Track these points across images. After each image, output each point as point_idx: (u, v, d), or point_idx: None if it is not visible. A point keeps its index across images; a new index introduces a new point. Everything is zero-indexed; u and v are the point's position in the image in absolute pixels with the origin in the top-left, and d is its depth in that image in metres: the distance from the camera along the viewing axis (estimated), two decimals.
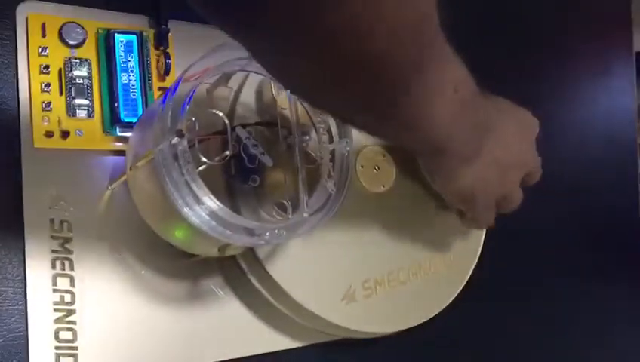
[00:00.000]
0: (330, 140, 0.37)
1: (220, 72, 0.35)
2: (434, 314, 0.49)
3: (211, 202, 0.33)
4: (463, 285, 0.51)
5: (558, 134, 0.70)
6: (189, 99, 0.33)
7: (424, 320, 0.48)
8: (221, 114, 0.35)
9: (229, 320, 0.44)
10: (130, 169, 0.38)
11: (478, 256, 0.52)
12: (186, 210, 0.33)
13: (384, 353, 0.50)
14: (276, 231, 0.34)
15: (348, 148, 0.37)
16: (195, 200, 0.33)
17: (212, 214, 0.33)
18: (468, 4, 0.63)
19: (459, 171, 0.41)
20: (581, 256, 0.69)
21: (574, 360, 0.65)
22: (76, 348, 0.39)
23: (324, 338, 0.47)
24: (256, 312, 0.45)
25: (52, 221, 0.40)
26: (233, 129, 0.36)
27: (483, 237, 0.53)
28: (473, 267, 0.51)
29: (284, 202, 0.36)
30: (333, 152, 0.37)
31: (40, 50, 0.41)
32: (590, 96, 0.78)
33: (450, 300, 0.50)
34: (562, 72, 0.74)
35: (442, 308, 0.49)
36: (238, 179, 0.37)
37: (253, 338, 0.45)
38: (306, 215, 0.35)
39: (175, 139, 0.32)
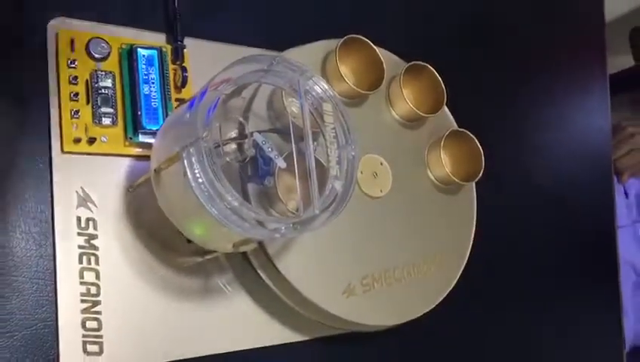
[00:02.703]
0: (337, 145, 0.41)
1: (240, 83, 0.39)
2: (427, 311, 0.52)
3: (234, 198, 0.36)
4: (453, 285, 0.55)
5: (536, 152, 0.75)
6: (215, 106, 0.37)
7: (418, 315, 0.52)
8: (242, 119, 0.39)
9: (238, 314, 0.47)
10: (155, 171, 0.41)
11: (466, 259, 0.56)
12: (210, 205, 0.37)
13: (381, 346, 0.54)
14: (290, 225, 0.37)
15: (353, 153, 0.41)
16: (219, 196, 0.36)
17: (234, 209, 0.36)
18: (448, 24, 0.68)
19: None
20: (558, 266, 0.74)
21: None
22: (101, 337, 0.42)
23: (326, 332, 0.51)
24: (263, 307, 0.48)
25: (79, 219, 0.43)
26: (251, 134, 0.40)
27: (471, 242, 0.57)
28: (462, 269, 0.55)
29: (295, 201, 0.40)
30: (339, 156, 0.41)
31: (69, 62, 0.44)
32: (567, 115, 0.83)
33: (442, 298, 0.54)
34: (541, 92, 0.79)
35: (434, 304, 0.53)
36: (255, 180, 0.41)
37: (261, 331, 0.48)
38: (317, 211, 0.39)
39: (205, 134, 0.35)
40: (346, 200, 0.40)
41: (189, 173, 0.37)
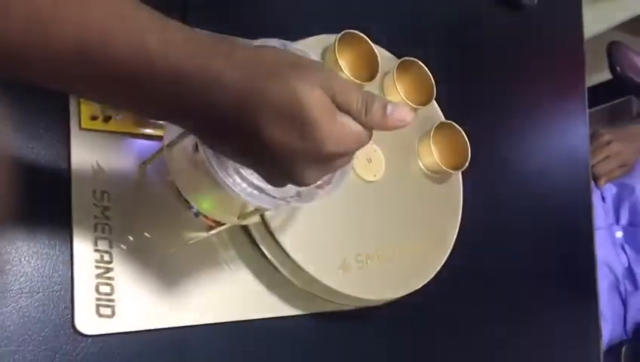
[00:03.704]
0: None
1: None
2: (415, 289, 0.56)
3: (247, 172, 0.39)
4: (440, 265, 0.58)
5: (519, 161, 0.79)
6: None
7: (408, 292, 0.55)
8: None
9: (240, 287, 0.50)
10: (168, 146, 0.44)
11: (453, 242, 0.60)
12: (224, 177, 0.40)
13: (370, 323, 0.57)
14: (296, 195, 0.41)
15: None
16: (234, 170, 0.39)
17: (248, 182, 0.40)
18: (433, 41, 0.72)
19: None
20: (537, 265, 0.78)
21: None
22: (113, 301, 0.45)
23: (323, 307, 0.54)
24: (263, 281, 0.51)
25: (94, 191, 0.46)
26: None
27: (458, 227, 0.61)
28: (449, 251, 0.59)
29: None
30: None
31: None
32: (547, 125, 0.87)
33: (428, 279, 0.57)
34: (523, 103, 0.83)
35: (424, 283, 0.56)
36: None
37: (261, 304, 0.51)
38: (319, 181, 0.42)
39: None
40: (345, 178, 0.43)
41: (200, 147, 0.40)
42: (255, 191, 0.40)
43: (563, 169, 0.86)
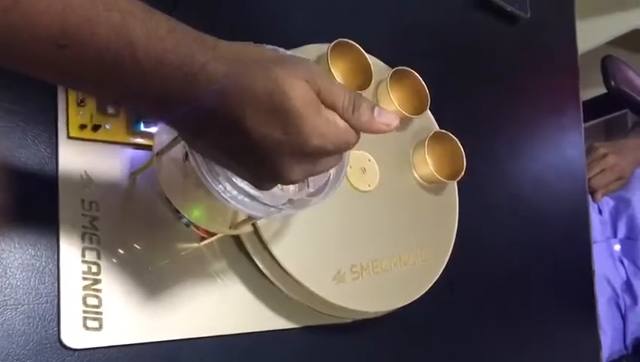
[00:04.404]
0: None
1: None
2: (411, 301, 0.55)
3: (238, 180, 0.39)
4: (436, 278, 0.57)
5: (514, 173, 0.79)
6: None
7: (403, 305, 0.54)
8: None
9: (231, 300, 0.49)
10: (157, 154, 0.44)
11: (448, 255, 0.59)
12: (215, 185, 0.39)
13: (366, 336, 0.56)
14: (288, 203, 0.40)
15: None
16: (225, 178, 0.38)
17: (239, 189, 0.39)
18: (426, 53, 0.72)
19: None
20: (534, 279, 0.77)
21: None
22: (101, 313, 0.44)
23: (316, 320, 0.53)
24: (255, 293, 0.50)
25: (83, 201, 0.45)
26: None
27: (453, 239, 0.60)
28: (444, 264, 0.58)
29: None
30: None
31: None
32: (543, 137, 0.87)
33: (425, 290, 0.56)
34: (517, 114, 0.83)
35: (419, 295, 0.55)
36: None
37: (252, 317, 0.50)
38: (311, 189, 0.41)
39: None
40: (338, 184, 0.42)
41: (190, 155, 0.40)
42: (246, 199, 0.39)
43: (559, 181, 0.86)
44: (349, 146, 0.34)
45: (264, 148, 0.32)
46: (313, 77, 0.32)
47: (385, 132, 0.35)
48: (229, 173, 0.39)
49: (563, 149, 0.88)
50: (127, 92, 0.32)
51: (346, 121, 0.33)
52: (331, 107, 0.33)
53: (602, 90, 1.33)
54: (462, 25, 0.79)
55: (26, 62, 0.30)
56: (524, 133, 0.81)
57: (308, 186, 0.42)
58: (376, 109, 0.34)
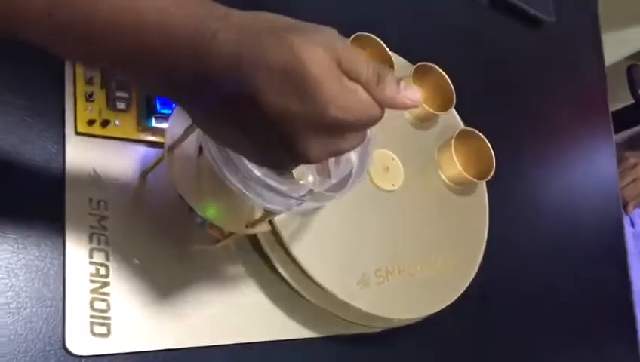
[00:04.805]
0: None
1: None
2: (440, 309, 0.51)
3: (256, 168, 0.36)
4: (466, 285, 0.53)
5: (544, 178, 0.75)
6: None
7: (431, 312, 0.51)
8: None
9: (247, 306, 0.46)
10: (169, 149, 0.41)
11: (479, 261, 0.55)
12: (230, 175, 0.36)
13: (392, 347, 0.52)
14: (309, 194, 0.37)
15: (369, 133, 0.41)
16: (242, 168, 0.36)
17: (257, 179, 0.36)
18: (469, 85, 0.68)
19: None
20: (570, 295, 0.72)
21: None
22: (109, 318, 0.41)
23: (339, 330, 0.49)
24: (273, 299, 0.47)
25: (91, 200, 0.43)
26: None
27: (484, 245, 0.56)
28: (475, 271, 0.54)
29: (311, 175, 0.39)
30: None
31: None
32: (573, 142, 0.83)
33: (455, 298, 0.52)
34: (547, 120, 0.80)
35: (447, 304, 0.52)
36: None
37: (270, 324, 0.47)
38: (334, 180, 0.38)
39: None
40: (362, 174, 0.39)
41: (204, 147, 0.37)
42: (265, 190, 0.37)
43: (591, 191, 0.82)
44: (372, 121, 0.31)
45: (280, 122, 0.29)
46: (333, 45, 0.29)
47: (409, 108, 0.32)
48: (246, 162, 0.36)
49: (593, 156, 0.84)
50: (130, 62, 0.29)
51: (369, 93, 0.30)
52: (353, 78, 0.30)
53: (627, 102, 1.30)
54: (484, 27, 0.76)
55: (26, 27, 0.28)
56: (551, 137, 0.78)
57: (330, 177, 0.39)
58: (402, 83, 0.31)
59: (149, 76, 0.30)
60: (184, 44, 0.28)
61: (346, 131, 0.31)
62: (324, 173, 0.39)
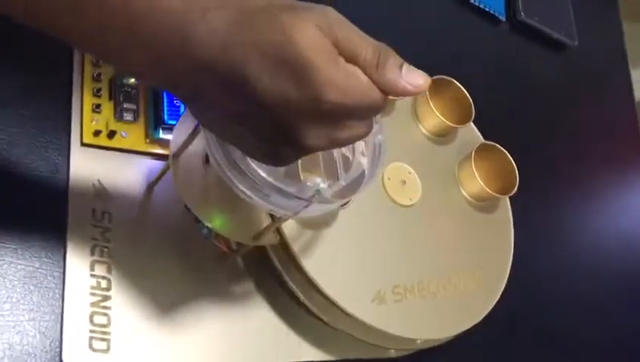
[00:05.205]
0: None
1: None
2: (461, 331, 0.48)
3: (262, 170, 0.34)
4: (491, 307, 0.50)
5: (574, 202, 0.72)
6: None
7: (454, 334, 0.47)
8: None
9: (254, 325, 0.44)
10: (174, 156, 0.40)
11: (505, 281, 0.52)
12: (235, 178, 0.35)
13: None
14: (317, 196, 0.35)
15: (380, 137, 0.39)
16: (247, 170, 0.34)
17: (263, 180, 0.34)
18: (495, 110, 0.67)
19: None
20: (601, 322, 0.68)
21: None
22: (109, 334, 0.39)
23: (356, 353, 0.46)
24: (284, 318, 0.45)
25: (94, 211, 0.41)
26: None
27: (510, 263, 0.53)
28: (502, 289, 0.51)
29: (320, 178, 0.38)
30: None
31: (94, 61, 0.45)
32: (601, 166, 0.80)
33: (478, 320, 0.49)
34: (574, 148, 0.76)
35: (470, 326, 0.48)
36: None
37: (279, 346, 0.44)
38: (343, 183, 0.36)
39: None
40: (372, 178, 0.37)
41: (208, 147, 0.36)
42: (271, 193, 0.35)
43: (624, 216, 0.78)
44: (374, 107, 0.29)
45: (275, 110, 0.28)
46: (329, 23, 0.28)
47: (411, 94, 0.30)
48: (252, 164, 0.35)
49: (627, 180, 0.81)
50: (118, 45, 0.28)
51: (368, 76, 0.29)
52: (352, 60, 0.28)
53: None
54: (506, 49, 0.75)
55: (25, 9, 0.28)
56: (581, 161, 0.75)
57: (339, 179, 0.37)
58: (405, 66, 0.29)
59: (132, 57, 0.29)
60: (171, 21, 0.27)
61: (346, 118, 0.29)
62: (333, 177, 0.37)
